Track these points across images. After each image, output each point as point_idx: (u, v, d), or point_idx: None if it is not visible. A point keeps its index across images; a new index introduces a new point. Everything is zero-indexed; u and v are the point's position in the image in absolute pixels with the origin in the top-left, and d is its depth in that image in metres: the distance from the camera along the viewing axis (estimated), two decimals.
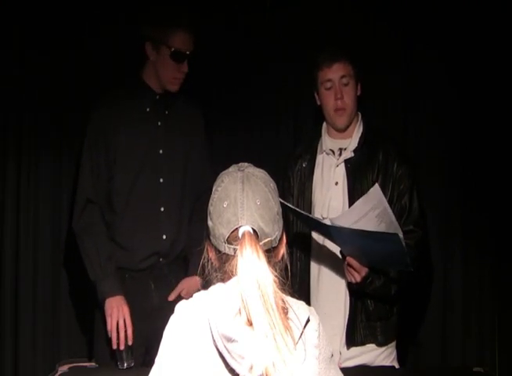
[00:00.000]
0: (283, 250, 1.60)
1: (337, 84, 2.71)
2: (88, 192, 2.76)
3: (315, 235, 2.75)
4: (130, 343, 2.62)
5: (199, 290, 1.58)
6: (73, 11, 3.18)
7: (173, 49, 2.72)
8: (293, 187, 2.83)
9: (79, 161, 2.82)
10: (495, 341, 3.23)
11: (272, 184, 1.61)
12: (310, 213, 2.77)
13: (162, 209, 2.80)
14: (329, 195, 2.74)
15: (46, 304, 3.18)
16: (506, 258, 3.20)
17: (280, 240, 1.58)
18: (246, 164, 1.62)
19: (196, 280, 2.72)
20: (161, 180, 2.81)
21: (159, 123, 2.83)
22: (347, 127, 2.77)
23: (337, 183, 2.74)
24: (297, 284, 2.70)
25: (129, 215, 2.78)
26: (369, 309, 2.67)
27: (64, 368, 2.54)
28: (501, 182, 3.21)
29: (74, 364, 2.60)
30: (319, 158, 2.81)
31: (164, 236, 2.80)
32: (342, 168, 2.73)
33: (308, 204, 2.78)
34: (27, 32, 3.11)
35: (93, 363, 2.69)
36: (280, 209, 1.59)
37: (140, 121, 2.81)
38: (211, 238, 1.57)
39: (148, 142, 2.80)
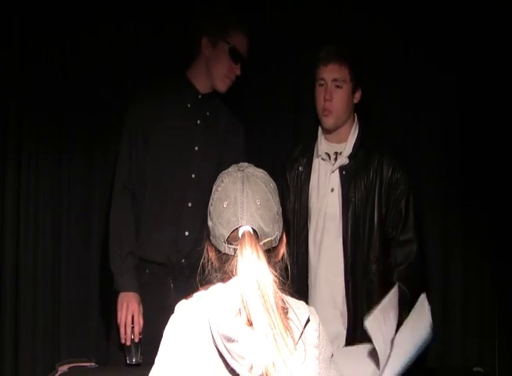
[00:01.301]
0: (282, 250, 1.60)
1: (328, 85, 2.70)
2: (125, 179, 2.80)
3: (311, 241, 2.75)
4: (136, 340, 2.66)
5: None
6: (73, 11, 3.17)
7: (231, 45, 2.76)
8: (290, 191, 2.82)
9: (118, 149, 2.85)
10: (495, 341, 3.23)
11: (272, 184, 1.61)
12: (307, 219, 2.75)
13: (190, 205, 2.81)
14: (326, 202, 2.74)
15: (46, 304, 3.17)
16: (506, 258, 3.19)
17: (280, 240, 1.58)
18: (246, 164, 1.63)
19: None
20: (193, 176, 2.82)
21: (198, 121, 2.85)
22: (335, 129, 2.75)
23: (332, 190, 2.73)
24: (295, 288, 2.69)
25: (156, 205, 2.80)
26: None
27: (64, 368, 2.54)
28: (501, 182, 3.21)
29: (74, 364, 2.60)
30: (316, 162, 2.80)
31: (187, 233, 2.81)
32: (337, 174, 2.73)
33: (305, 210, 2.77)
34: (28, 32, 3.11)
35: (93, 363, 2.70)
36: (280, 209, 1.59)
37: (180, 116, 2.83)
38: (211, 238, 1.58)
39: (185, 138, 2.82)
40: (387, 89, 3.33)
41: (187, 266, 2.80)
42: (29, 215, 3.13)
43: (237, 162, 2.84)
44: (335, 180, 2.73)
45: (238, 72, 2.81)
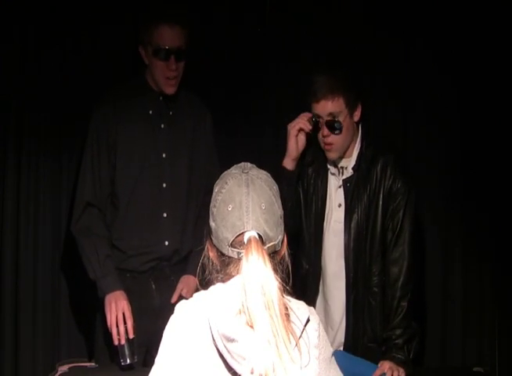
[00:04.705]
0: (284, 251, 1.59)
1: (324, 121, 2.60)
2: (88, 195, 2.74)
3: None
4: (131, 336, 2.57)
5: (198, 288, 1.58)
6: (73, 11, 3.17)
7: (154, 47, 2.69)
8: (303, 198, 2.75)
9: (80, 162, 2.82)
10: (495, 341, 3.23)
11: (275, 187, 1.59)
12: (322, 232, 2.71)
13: (165, 215, 2.77)
14: (333, 217, 2.70)
15: (46, 304, 3.17)
16: (506, 258, 3.20)
17: (282, 242, 1.58)
18: (249, 164, 1.60)
19: (194, 277, 2.68)
20: (164, 185, 2.78)
21: (162, 125, 2.80)
22: (341, 157, 2.68)
23: (340, 205, 2.69)
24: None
25: (131, 219, 2.77)
26: (376, 333, 2.64)
27: (64, 368, 2.55)
28: (501, 182, 3.21)
29: (74, 364, 2.61)
30: (328, 174, 2.73)
31: (167, 243, 2.78)
32: (343, 189, 2.69)
33: (320, 224, 2.72)
34: (27, 32, 3.11)
35: (93, 363, 2.70)
36: (282, 212, 1.58)
37: (142, 124, 2.77)
38: (214, 239, 1.56)
39: (150, 146, 2.77)
40: (387, 89, 3.32)
41: (167, 266, 2.80)
42: (29, 215, 3.13)
43: (210, 158, 2.84)
44: (341, 195, 2.68)
45: (172, 67, 2.70)
